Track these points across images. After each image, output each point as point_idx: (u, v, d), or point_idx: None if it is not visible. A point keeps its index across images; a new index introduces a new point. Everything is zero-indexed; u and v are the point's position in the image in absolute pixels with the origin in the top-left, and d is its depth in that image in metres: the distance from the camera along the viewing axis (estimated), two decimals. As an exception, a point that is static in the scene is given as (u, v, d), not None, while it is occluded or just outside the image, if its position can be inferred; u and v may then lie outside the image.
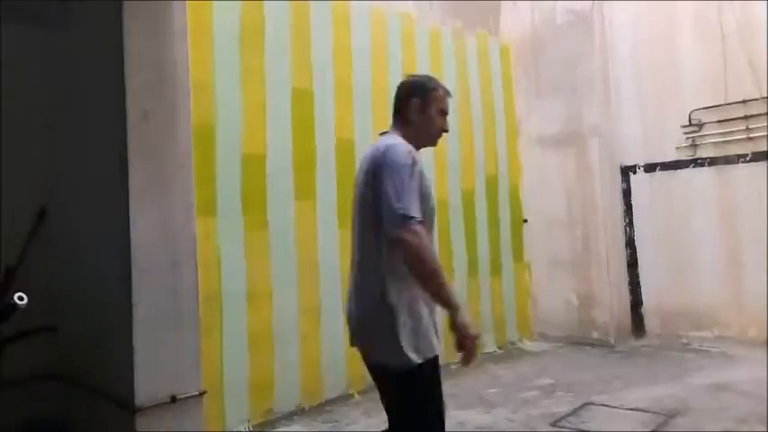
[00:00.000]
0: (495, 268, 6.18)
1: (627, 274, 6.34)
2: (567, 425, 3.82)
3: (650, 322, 6.24)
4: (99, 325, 2.83)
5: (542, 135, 6.55)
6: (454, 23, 6.05)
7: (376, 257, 2.12)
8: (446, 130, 2.40)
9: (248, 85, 4.21)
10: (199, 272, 2.88)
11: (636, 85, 6.33)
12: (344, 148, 4.83)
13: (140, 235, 2.62)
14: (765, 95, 5.49)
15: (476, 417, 4.05)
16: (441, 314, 2.11)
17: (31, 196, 3.21)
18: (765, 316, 5.41)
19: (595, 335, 6.08)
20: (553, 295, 6.44)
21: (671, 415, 3.85)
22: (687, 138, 5.97)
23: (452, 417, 4.05)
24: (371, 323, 2.15)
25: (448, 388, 2.24)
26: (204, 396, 2.81)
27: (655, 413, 3.91)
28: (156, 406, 2.58)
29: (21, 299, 2.31)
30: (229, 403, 3.91)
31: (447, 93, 2.39)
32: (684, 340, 5.90)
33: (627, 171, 6.40)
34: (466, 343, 2.03)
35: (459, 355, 2.07)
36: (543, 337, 6.43)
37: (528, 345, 6.29)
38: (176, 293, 2.73)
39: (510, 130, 6.60)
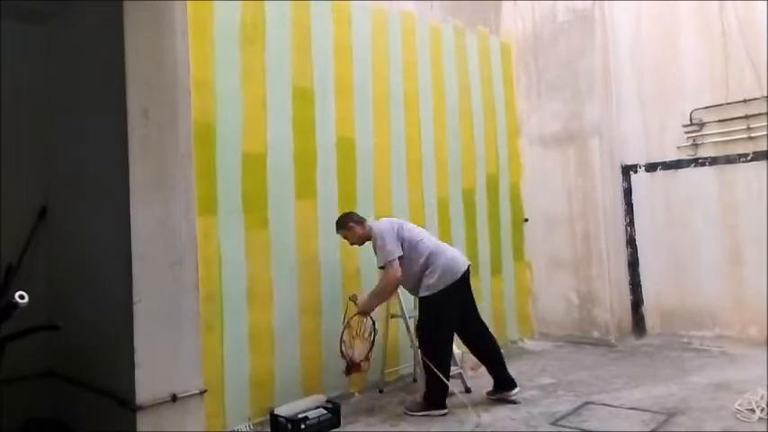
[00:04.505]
0: (496, 267, 6.18)
1: (627, 274, 6.34)
2: (568, 424, 3.82)
3: (651, 321, 6.24)
4: (100, 324, 2.83)
5: (543, 134, 6.55)
6: (455, 22, 6.05)
7: None
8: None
9: (249, 84, 4.20)
10: (199, 270, 2.88)
11: (637, 83, 6.33)
12: (345, 146, 4.83)
13: (141, 233, 2.62)
14: (766, 94, 5.49)
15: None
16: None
17: (32, 195, 3.21)
18: (766, 315, 5.41)
19: (596, 334, 6.08)
20: (554, 294, 6.44)
21: (671, 414, 3.85)
22: (688, 137, 5.96)
23: (452, 416, 4.06)
24: None
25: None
26: (205, 395, 2.82)
27: (655, 412, 3.91)
28: (156, 405, 2.58)
29: (21, 297, 2.30)
30: (230, 402, 3.91)
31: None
32: (685, 339, 5.90)
33: (628, 170, 6.40)
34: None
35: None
36: (544, 336, 6.43)
37: (528, 344, 6.29)
38: (177, 292, 2.73)
39: (510, 129, 6.59)
